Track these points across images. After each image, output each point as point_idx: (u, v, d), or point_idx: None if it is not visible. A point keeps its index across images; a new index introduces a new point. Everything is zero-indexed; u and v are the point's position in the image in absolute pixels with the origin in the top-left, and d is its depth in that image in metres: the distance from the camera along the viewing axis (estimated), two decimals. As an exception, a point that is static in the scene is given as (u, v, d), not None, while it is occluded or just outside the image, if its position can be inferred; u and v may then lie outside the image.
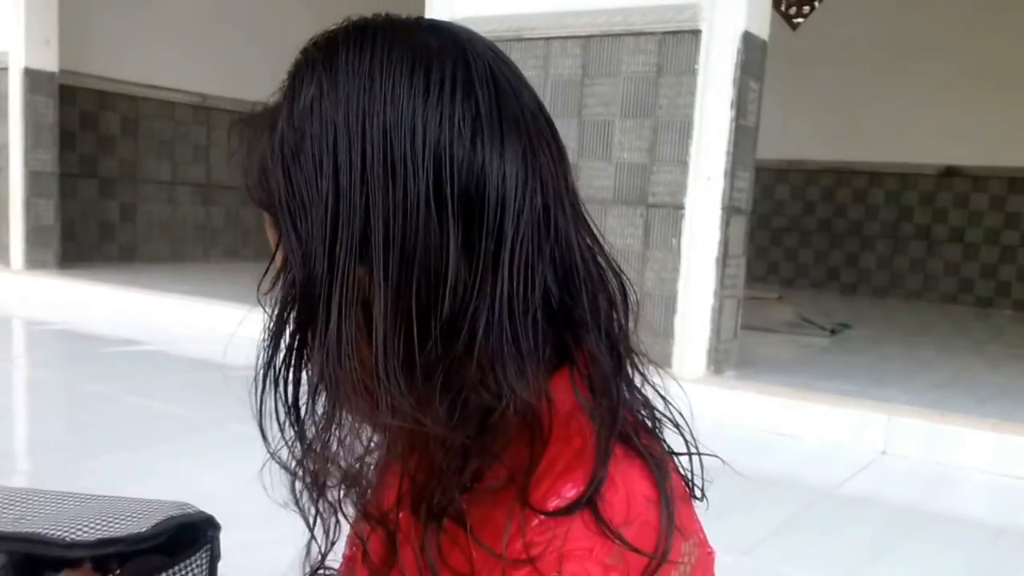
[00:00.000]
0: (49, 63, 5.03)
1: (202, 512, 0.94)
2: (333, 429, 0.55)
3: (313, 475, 0.57)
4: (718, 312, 2.96)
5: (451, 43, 0.54)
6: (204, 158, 6.37)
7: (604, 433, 0.52)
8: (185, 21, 5.97)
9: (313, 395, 0.54)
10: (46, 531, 0.77)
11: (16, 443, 2.32)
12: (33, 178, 5.05)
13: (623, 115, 3.11)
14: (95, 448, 2.17)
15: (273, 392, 0.56)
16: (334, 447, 0.55)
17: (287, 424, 0.56)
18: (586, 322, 0.54)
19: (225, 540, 0.99)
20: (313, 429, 0.55)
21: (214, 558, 0.95)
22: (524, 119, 0.54)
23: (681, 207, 3.00)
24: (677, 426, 0.59)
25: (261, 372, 0.56)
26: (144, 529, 0.80)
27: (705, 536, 0.56)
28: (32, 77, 4.97)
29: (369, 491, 0.58)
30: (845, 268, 7.15)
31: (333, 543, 0.63)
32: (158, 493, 1.01)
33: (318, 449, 0.55)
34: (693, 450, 0.59)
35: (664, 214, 3.03)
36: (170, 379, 3.03)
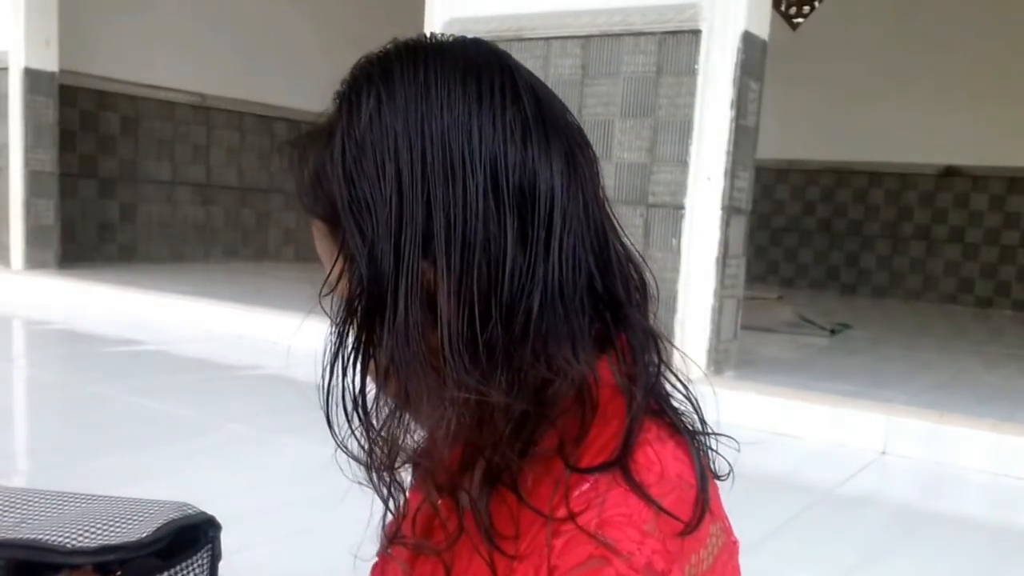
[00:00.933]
0: (49, 63, 5.03)
1: (203, 512, 0.94)
2: (402, 412, 0.60)
3: (387, 456, 0.61)
4: (718, 312, 2.97)
5: (495, 56, 0.60)
6: (204, 158, 6.37)
7: (637, 405, 0.57)
8: (185, 21, 5.97)
9: (383, 380, 0.59)
10: (48, 537, 0.78)
11: (16, 443, 2.32)
12: (33, 178, 5.05)
13: (623, 115, 3.11)
14: (95, 448, 2.17)
15: (341, 381, 0.60)
16: (403, 428, 0.60)
17: (355, 411, 0.60)
18: (624, 305, 0.60)
19: (225, 540, 0.99)
20: (381, 414, 0.60)
21: (215, 558, 0.95)
22: (562, 124, 0.60)
23: (681, 207, 3.00)
24: (697, 411, 0.62)
25: (328, 364, 0.60)
26: (145, 534, 0.80)
27: (730, 525, 0.58)
28: (32, 77, 4.97)
29: (438, 463, 0.62)
30: (845, 268, 7.16)
31: (404, 516, 0.68)
32: (158, 493, 1.01)
33: (389, 430, 0.60)
34: (711, 432, 0.62)
35: (664, 214, 3.03)
36: (170, 379, 3.03)
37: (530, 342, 0.56)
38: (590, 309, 0.59)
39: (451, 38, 0.61)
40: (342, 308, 0.60)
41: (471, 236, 0.56)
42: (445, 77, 0.57)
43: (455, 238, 0.56)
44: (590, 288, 0.59)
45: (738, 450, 0.64)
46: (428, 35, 0.62)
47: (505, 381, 0.57)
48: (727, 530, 0.57)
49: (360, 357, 0.60)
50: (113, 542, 0.78)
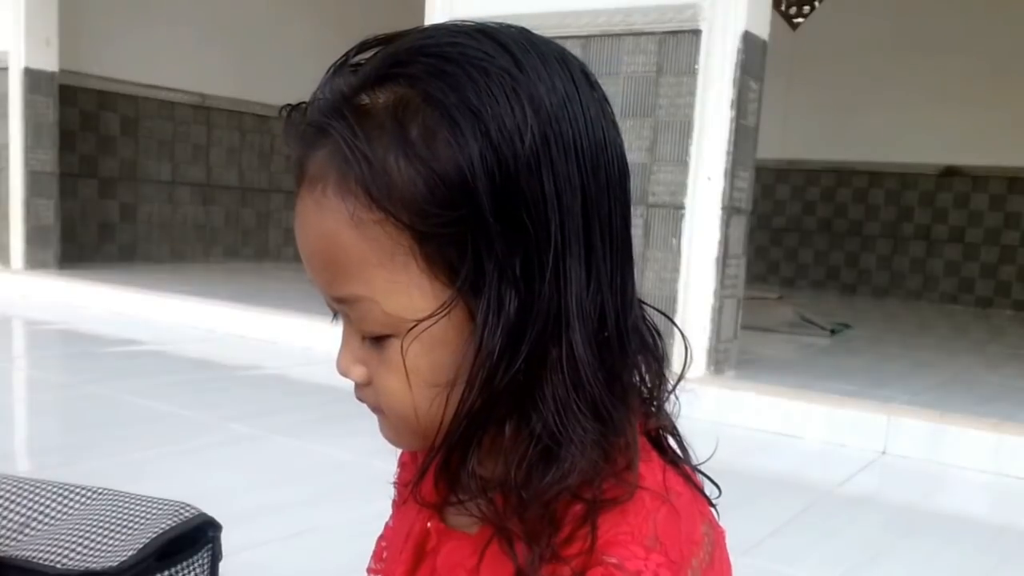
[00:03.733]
0: (49, 63, 5.03)
1: (203, 514, 0.95)
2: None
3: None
4: (718, 312, 2.97)
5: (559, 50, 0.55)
6: (204, 158, 6.37)
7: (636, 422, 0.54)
8: (185, 21, 5.97)
9: (562, 415, 0.50)
10: (39, 555, 0.85)
11: (16, 443, 2.32)
12: (33, 178, 5.05)
13: (623, 115, 3.11)
14: (95, 448, 2.17)
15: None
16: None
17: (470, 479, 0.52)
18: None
19: (225, 540, 0.99)
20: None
21: (215, 558, 0.95)
22: None
23: (681, 207, 3.00)
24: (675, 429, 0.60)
25: (463, 423, 0.51)
26: (130, 554, 0.85)
27: (713, 515, 0.58)
28: (32, 77, 4.97)
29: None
30: (845, 268, 7.16)
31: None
32: (158, 494, 1.01)
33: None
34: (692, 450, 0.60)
35: (664, 214, 3.03)
36: (170, 379, 3.03)
37: (628, 369, 0.53)
38: None
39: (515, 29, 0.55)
40: (493, 349, 0.49)
41: (617, 238, 0.52)
42: (548, 66, 0.52)
43: (610, 241, 0.51)
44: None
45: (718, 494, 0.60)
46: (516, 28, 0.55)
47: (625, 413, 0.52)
48: (713, 523, 0.57)
49: (505, 403, 0.50)
50: (96, 567, 0.83)
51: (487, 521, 0.52)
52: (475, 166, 0.48)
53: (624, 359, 0.53)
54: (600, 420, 0.50)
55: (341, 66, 0.54)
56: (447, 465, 0.53)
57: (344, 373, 0.56)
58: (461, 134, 0.48)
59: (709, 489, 0.59)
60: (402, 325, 0.51)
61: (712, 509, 0.58)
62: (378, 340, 0.53)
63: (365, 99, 0.51)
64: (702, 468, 0.59)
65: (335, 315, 0.57)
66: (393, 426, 0.56)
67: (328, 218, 0.51)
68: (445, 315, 0.50)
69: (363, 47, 0.54)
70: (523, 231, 0.49)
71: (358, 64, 0.54)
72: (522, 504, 0.50)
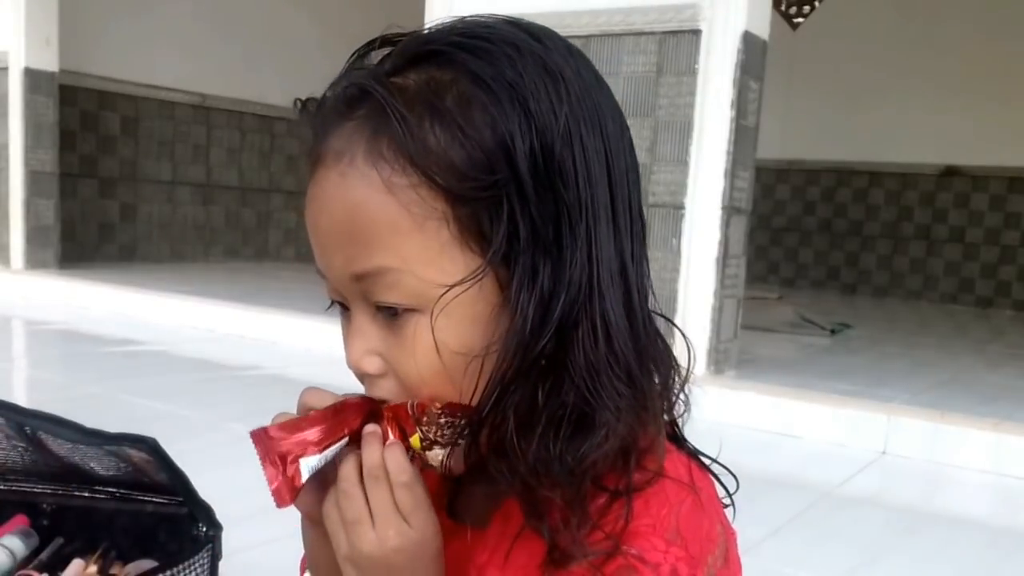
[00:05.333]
0: (49, 63, 5.03)
1: (205, 505, 0.95)
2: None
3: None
4: (718, 312, 2.96)
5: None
6: (204, 158, 6.37)
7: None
8: (185, 21, 5.97)
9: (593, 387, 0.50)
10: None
11: (16, 443, 2.32)
12: (33, 178, 5.05)
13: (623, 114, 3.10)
14: (95, 448, 2.17)
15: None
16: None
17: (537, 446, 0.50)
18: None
19: (225, 540, 0.99)
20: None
21: (215, 558, 0.96)
22: None
23: (681, 207, 3.00)
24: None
25: (497, 384, 0.51)
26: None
27: (725, 516, 0.58)
28: (32, 77, 4.97)
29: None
30: (845, 268, 7.15)
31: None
32: (158, 493, 1.01)
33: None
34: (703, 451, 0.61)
35: (664, 214, 3.03)
36: (170, 379, 3.03)
37: (652, 341, 0.54)
38: None
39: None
40: (527, 316, 0.49)
41: (636, 221, 0.55)
42: (575, 60, 0.54)
43: (629, 221, 0.54)
44: None
45: (736, 486, 0.61)
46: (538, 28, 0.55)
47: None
48: (725, 524, 0.57)
49: (547, 367, 0.50)
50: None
51: (521, 497, 0.51)
52: (514, 133, 0.49)
53: (647, 331, 0.54)
54: (633, 386, 0.51)
55: (359, 59, 0.55)
56: (475, 438, 0.53)
57: (356, 366, 0.55)
58: (499, 103, 0.49)
59: (728, 481, 0.60)
60: (431, 295, 0.50)
61: (724, 510, 0.58)
62: (395, 321, 0.52)
63: (398, 79, 0.52)
64: (714, 467, 0.60)
65: (332, 304, 0.56)
66: None
67: (356, 187, 0.50)
68: (476, 282, 0.50)
69: (372, 46, 0.55)
70: (557, 199, 0.50)
71: (381, 57, 0.54)
72: (562, 473, 0.49)
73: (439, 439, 0.53)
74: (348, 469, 0.53)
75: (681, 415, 0.59)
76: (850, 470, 2.38)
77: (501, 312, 0.51)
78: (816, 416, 2.68)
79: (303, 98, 0.56)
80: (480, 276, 0.50)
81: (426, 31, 0.53)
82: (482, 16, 0.53)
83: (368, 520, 0.52)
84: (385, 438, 0.54)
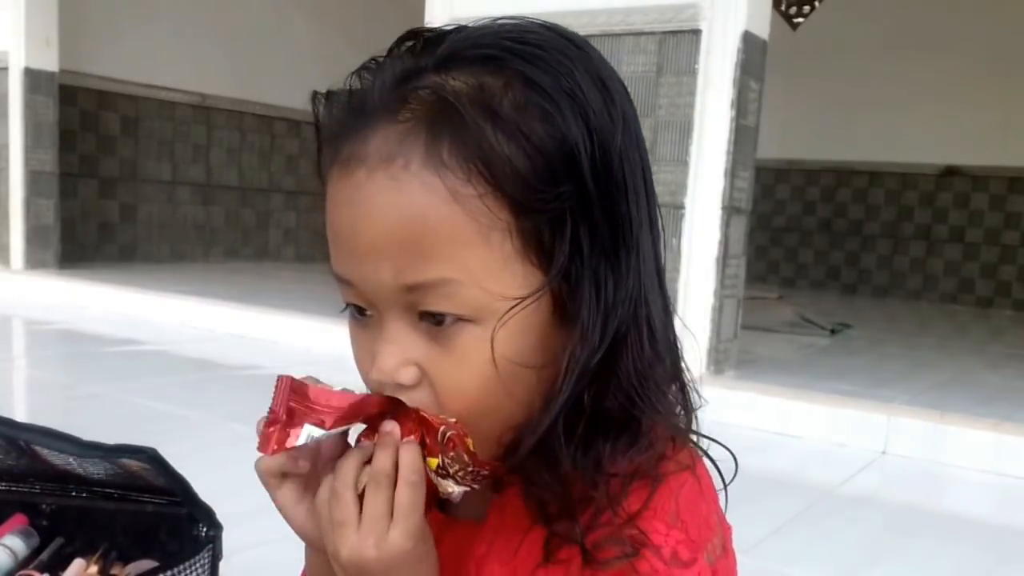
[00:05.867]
0: (49, 63, 5.03)
1: (205, 506, 0.95)
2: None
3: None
4: (718, 312, 2.96)
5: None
6: (204, 158, 6.37)
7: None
8: (185, 21, 5.97)
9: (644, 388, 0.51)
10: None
11: (16, 443, 2.32)
12: (33, 178, 5.05)
13: (623, 115, 3.10)
14: (95, 448, 2.17)
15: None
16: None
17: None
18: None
19: (225, 540, 0.99)
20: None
21: (215, 558, 0.95)
22: None
23: (681, 207, 3.00)
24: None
25: (561, 403, 0.50)
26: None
27: (721, 510, 0.58)
28: (32, 77, 4.97)
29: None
30: (845, 268, 7.15)
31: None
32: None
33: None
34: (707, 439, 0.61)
35: (664, 214, 3.01)
36: (170, 379, 3.03)
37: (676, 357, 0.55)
38: None
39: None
40: (596, 324, 0.50)
41: (658, 222, 0.56)
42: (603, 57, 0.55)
43: (659, 224, 0.56)
44: None
45: (735, 466, 0.61)
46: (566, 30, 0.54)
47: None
48: (721, 517, 0.57)
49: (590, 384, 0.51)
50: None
51: (552, 497, 0.51)
52: (579, 145, 0.49)
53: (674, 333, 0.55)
54: (673, 388, 0.53)
55: (397, 56, 0.52)
56: (515, 449, 0.52)
57: (391, 376, 0.52)
58: (561, 113, 0.49)
59: (727, 468, 0.60)
60: (492, 308, 0.49)
61: (719, 505, 0.58)
62: (440, 331, 0.50)
63: (449, 80, 0.49)
64: (716, 466, 0.60)
65: (347, 307, 0.54)
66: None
67: (414, 194, 0.48)
68: (540, 297, 0.50)
69: (407, 40, 0.53)
70: (615, 212, 0.50)
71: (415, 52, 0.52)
72: (604, 475, 0.50)
73: (456, 477, 0.52)
74: (346, 469, 0.52)
75: (696, 408, 0.59)
76: (850, 470, 2.38)
77: (557, 323, 0.51)
78: (816, 416, 2.68)
79: (321, 91, 0.54)
80: (544, 291, 0.50)
81: (466, 31, 0.52)
82: (518, 19, 0.52)
83: (354, 524, 0.51)
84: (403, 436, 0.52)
